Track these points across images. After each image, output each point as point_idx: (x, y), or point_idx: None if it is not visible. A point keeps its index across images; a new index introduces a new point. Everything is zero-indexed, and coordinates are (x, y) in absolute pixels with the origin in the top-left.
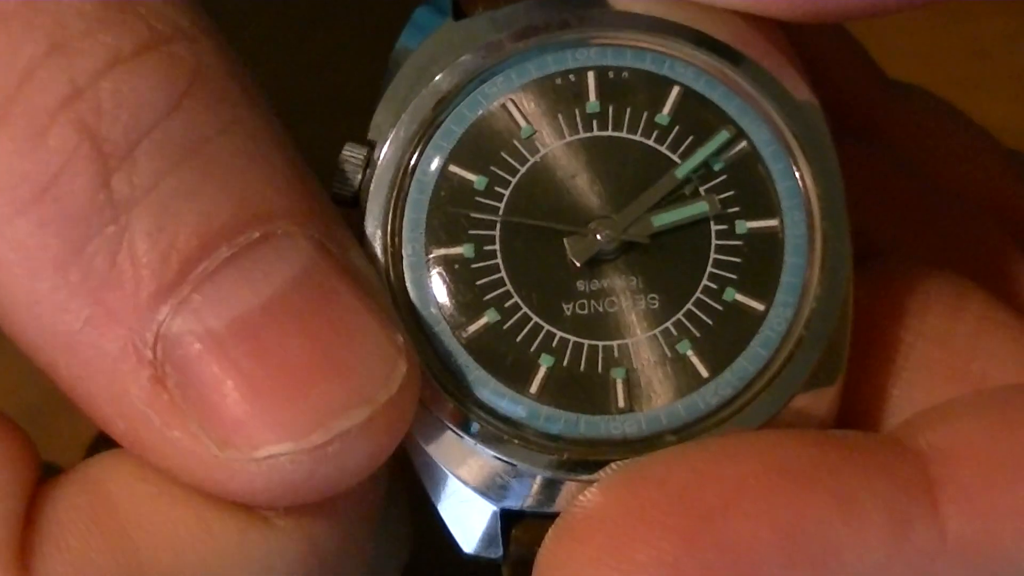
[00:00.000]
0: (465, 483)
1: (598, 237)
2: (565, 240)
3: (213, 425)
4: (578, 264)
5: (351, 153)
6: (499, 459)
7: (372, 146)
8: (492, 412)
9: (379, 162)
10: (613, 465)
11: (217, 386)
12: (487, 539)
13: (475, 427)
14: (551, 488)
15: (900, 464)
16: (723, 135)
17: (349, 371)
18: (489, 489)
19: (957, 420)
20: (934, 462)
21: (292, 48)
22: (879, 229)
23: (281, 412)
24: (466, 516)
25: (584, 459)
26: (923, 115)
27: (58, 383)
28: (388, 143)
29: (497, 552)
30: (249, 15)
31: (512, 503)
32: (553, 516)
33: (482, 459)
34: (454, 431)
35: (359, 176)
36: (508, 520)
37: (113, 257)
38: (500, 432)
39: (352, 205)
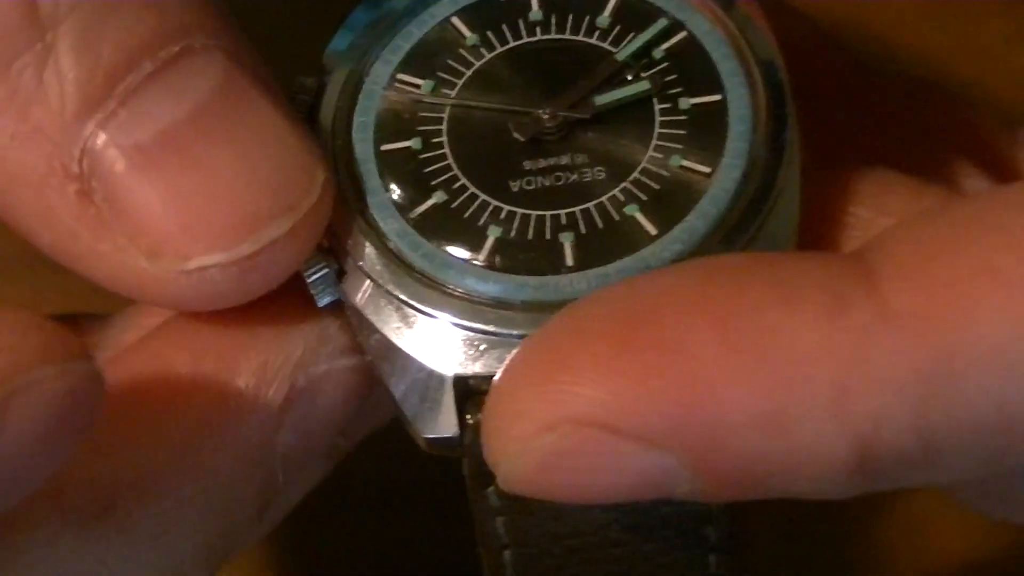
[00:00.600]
0: (415, 356)
1: (542, 116)
2: (509, 123)
3: (142, 237)
4: (522, 139)
5: (302, 81)
6: (451, 323)
7: (322, 70)
8: (442, 282)
9: (328, 83)
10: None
11: (145, 198)
12: (442, 416)
13: (427, 297)
14: (503, 350)
15: (837, 257)
16: (662, 23)
17: (274, 180)
18: (442, 356)
19: (895, 224)
20: (872, 250)
21: (292, 48)
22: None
23: (211, 223)
24: (420, 395)
25: (535, 318)
26: (907, 89)
27: None
28: (337, 68)
29: (453, 430)
30: (249, 15)
31: (464, 368)
32: None
33: (432, 327)
34: (403, 302)
35: (310, 99)
36: (462, 396)
37: (39, 74)
38: (451, 299)
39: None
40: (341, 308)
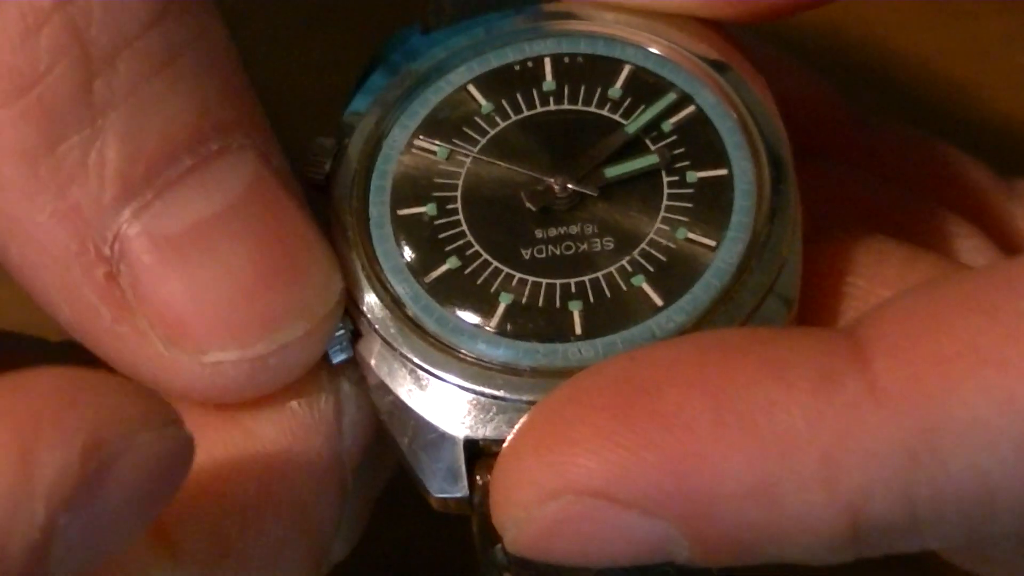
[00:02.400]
0: (427, 418)
1: (553, 187)
2: (522, 192)
3: (161, 324)
4: (534, 209)
5: (322, 142)
6: (461, 389)
7: (342, 135)
8: (454, 347)
9: (348, 146)
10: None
11: (169, 288)
12: (452, 476)
13: (438, 361)
14: (512, 415)
15: (829, 333)
16: (671, 96)
17: (294, 283)
18: (452, 420)
19: (887, 301)
20: (863, 327)
21: (292, 48)
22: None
23: (230, 320)
24: (431, 456)
25: (543, 383)
26: (902, 142)
27: (6, 265)
28: (357, 130)
29: (463, 490)
30: (249, 15)
31: (474, 432)
32: None
33: (444, 390)
34: (416, 365)
35: (330, 161)
36: (472, 457)
37: (85, 156)
38: (462, 364)
39: (323, 189)
40: (355, 366)
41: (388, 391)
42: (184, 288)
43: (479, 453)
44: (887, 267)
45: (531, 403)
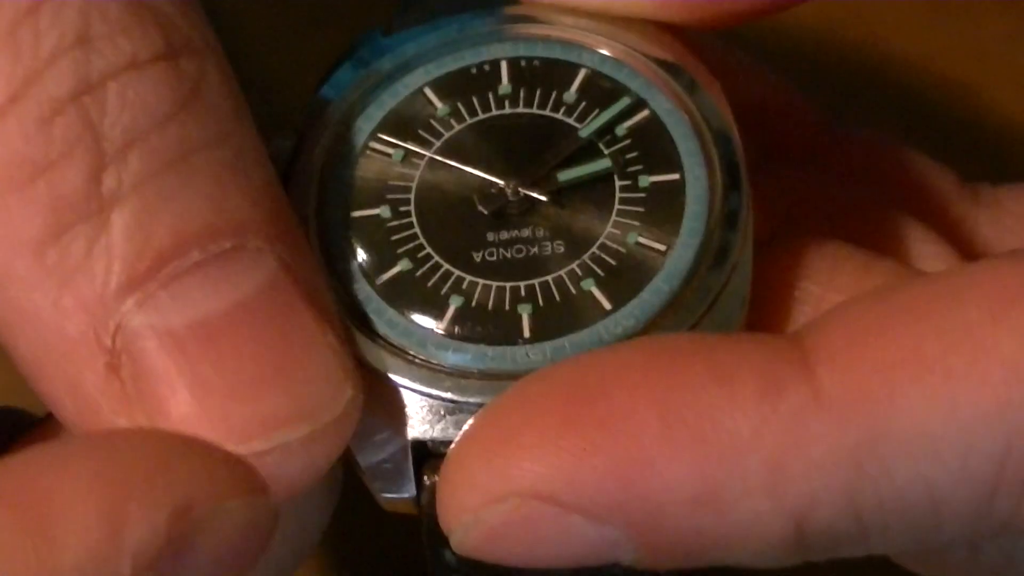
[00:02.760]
0: (375, 418)
1: (506, 191)
2: (475, 195)
3: (159, 418)
4: (486, 212)
5: (279, 142)
6: (408, 390)
7: (299, 133)
8: (403, 348)
9: (304, 147)
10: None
11: (168, 382)
12: (399, 476)
13: (388, 362)
14: (460, 417)
15: (775, 340)
16: (624, 101)
17: (297, 387)
18: (399, 421)
19: (833, 308)
20: (808, 335)
21: (292, 48)
22: (797, 225)
23: (227, 416)
24: (379, 456)
25: (490, 385)
26: (871, 147)
27: (14, 358)
28: (315, 130)
29: (410, 491)
30: (249, 15)
31: (421, 434)
32: None
33: (393, 393)
34: (368, 367)
35: (287, 161)
36: (420, 459)
37: (91, 246)
38: (411, 365)
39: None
40: None
41: None
42: (183, 383)
43: (427, 454)
44: (842, 273)
45: (479, 405)
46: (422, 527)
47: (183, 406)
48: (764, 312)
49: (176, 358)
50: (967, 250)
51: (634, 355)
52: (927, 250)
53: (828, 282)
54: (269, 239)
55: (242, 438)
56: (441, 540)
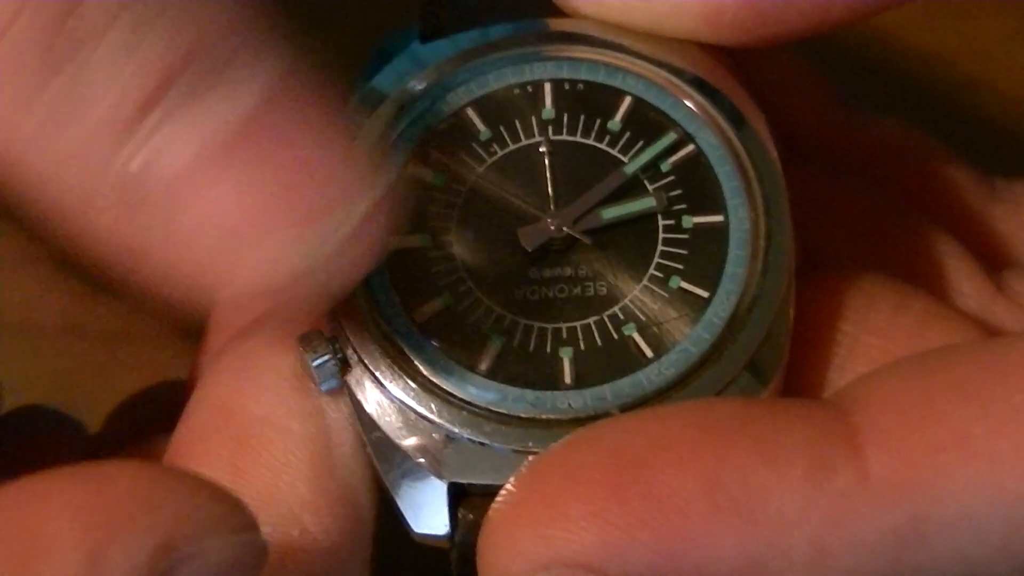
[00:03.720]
0: (415, 457)
1: (549, 227)
2: (518, 230)
3: (215, 230)
4: (529, 250)
5: None
6: (449, 432)
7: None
8: (443, 388)
9: None
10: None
11: (214, 192)
12: (435, 515)
13: (427, 401)
14: (498, 461)
15: (823, 414)
16: (671, 136)
17: (342, 168)
18: (438, 462)
19: (878, 377)
20: (856, 411)
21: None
22: (829, 244)
23: (285, 207)
24: (415, 492)
25: (531, 431)
26: (888, 139)
27: (34, 220)
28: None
29: (444, 529)
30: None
31: (460, 477)
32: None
33: (433, 432)
34: (406, 406)
35: None
36: (456, 496)
37: (76, 91)
38: (451, 406)
39: None
40: (344, 394)
41: (375, 427)
42: (229, 189)
43: (464, 493)
44: (876, 312)
45: (518, 452)
46: (451, 559)
47: (236, 211)
48: (801, 354)
49: (214, 172)
50: (986, 245)
51: (680, 424)
52: (954, 265)
53: (863, 322)
54: (264, 40)
55: (305, 223)
56: (471, 572)
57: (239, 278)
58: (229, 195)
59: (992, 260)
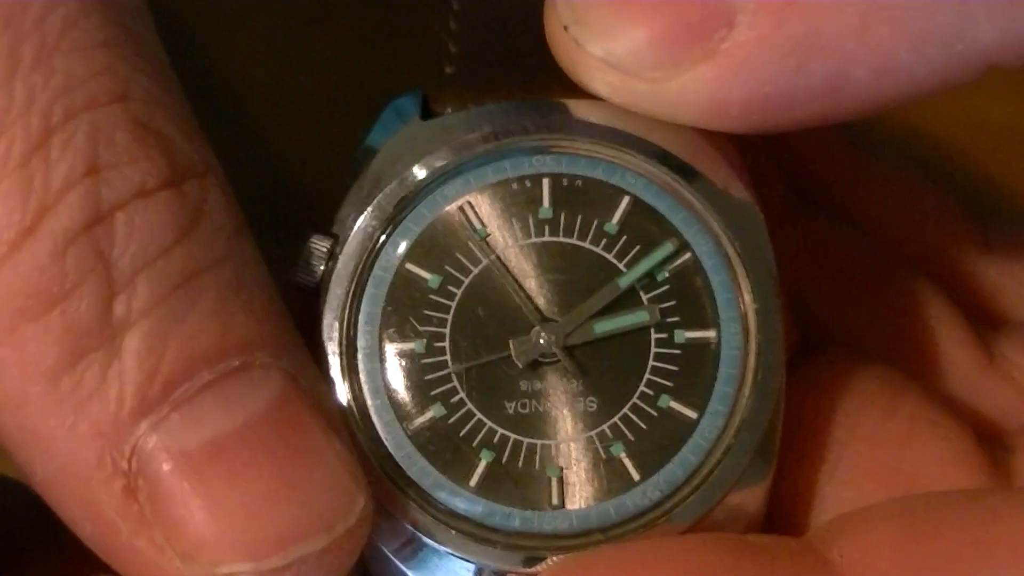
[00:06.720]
0: (405, 570)
1: (541, 341)
2: (511, 342)
3: (178, 539)
4: (520, 366)
5: (316, 245)
6: (437, 548)
7: (336, 239)
8: (433, 503)
9: (340, 256)
10: (547, 562)
11: (185, 503)
12: None
13: (416, 516)
14: None
15: (803, 560)
16: (667, 247)
17: (312, 501)
18: (422, 573)
19: (870, 530)
20: (844, 569)
21: (292, 48)
22: (831, 313)
23: (244, 533)
24: None
25: (516, 552)
26: (890, 184)
27: (31, 481)
28: (351, 237)
29: None
30: (249, 15)
31: None
32: None
33: (422, 548)
34: (394, 517)
35: (322, 267)
36: None
37: (104, 372)
38: (439, 522)
39: (314, 294)
40: None
41: (369, 541)
42: (200, 503)
43: None
44: (866, 417)
45: (500, 573)
46: None
47: (200, 527)
48: (791, 459)
49: (191, 479)
50: (978, 294)
51: (662, 561)
52: (947, 333)
53: (853, 427)
54: (275, 354)
55: (261, 555)
56: None
57: None
58: (203, 507)
59: (983, 308)
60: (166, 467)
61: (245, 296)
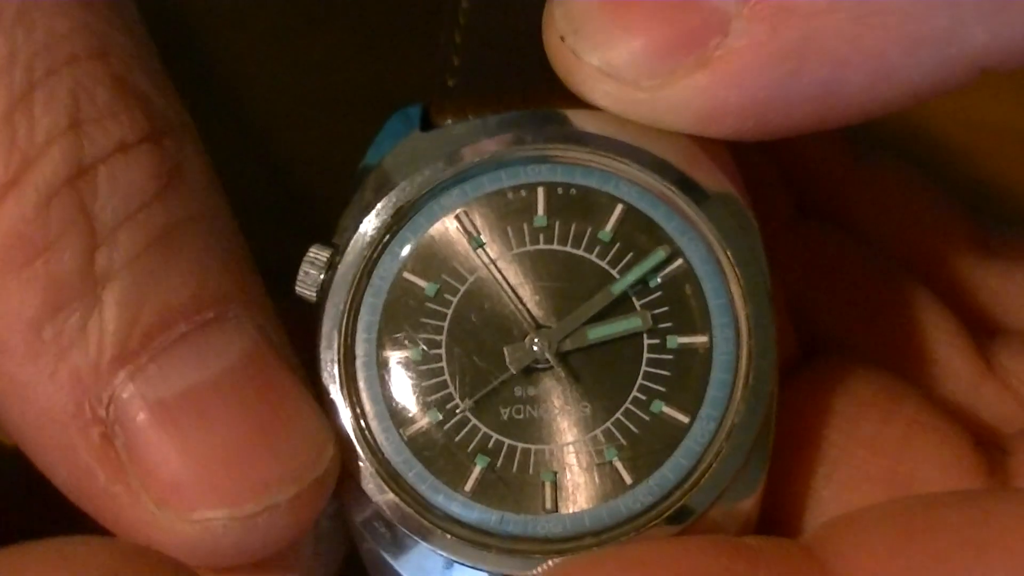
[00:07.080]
0: (401, 571)
1: (535, 348)
2: (505, 348)
3: (153, 485)
4: (514, 372)
5: (316, 254)
6: (433, 551)
7: (336, 249)
8: (429, 507)
9: (339, 265)
10: (544, 565)
11: (161, 450)
12: None
13: (411, 519)
14: None
15: (798, 561)
16: (659, 254)
17: (284, 449)
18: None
19: (864, 532)
20: (828, 559)
21: (292, 48)
22: (830, 319)
23: (218, 480)
24: None
25: (511, 556)
26: (891, 189)
27: (7, 426)
28: (350, 247)
29: None
30: (249, 15)
31: None
32: None
33: (419, 550)
34: (392, 522)
35: (321, 277)
36: None
37: (85, 322)
38: (435, 526)
39: (314, 304)
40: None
41: (364, 538)
42: (175, 450)
43: None
44: (865, 421)
45: (497, 573)
46: None
47: (176, 474)
48: (788, 462)
49: (168, 427)
50: (977, 301)
51: (660, 569)
52: (946, 340)
53: (851, 431)
54: (247, 307)
55: (235, 502)
56: None
57: (162, 538)
58: (179, 455)
59: (983, 315)
60: (143, 415)
61: (219, 250)
